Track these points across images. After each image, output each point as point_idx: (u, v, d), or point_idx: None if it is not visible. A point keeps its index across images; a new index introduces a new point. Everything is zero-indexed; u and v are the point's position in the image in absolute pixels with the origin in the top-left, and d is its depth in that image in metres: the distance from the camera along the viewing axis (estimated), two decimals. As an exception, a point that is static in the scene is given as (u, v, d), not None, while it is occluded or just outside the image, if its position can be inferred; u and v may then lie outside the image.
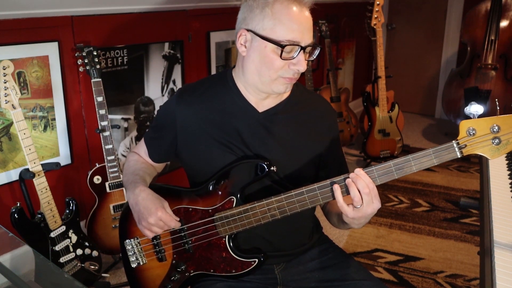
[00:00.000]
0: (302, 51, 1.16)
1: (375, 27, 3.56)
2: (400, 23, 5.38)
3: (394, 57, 5.51)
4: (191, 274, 1.31)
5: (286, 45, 1.14)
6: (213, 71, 3.15)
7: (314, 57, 1.22)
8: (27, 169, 1.89)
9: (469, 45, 4.30)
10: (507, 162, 1.72)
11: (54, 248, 1.99)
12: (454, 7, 5.08)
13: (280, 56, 1.15)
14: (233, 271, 1.26)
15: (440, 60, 5.31)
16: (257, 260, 1.24)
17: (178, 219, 1.26)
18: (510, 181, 1.56)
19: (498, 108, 1.40)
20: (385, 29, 5.23)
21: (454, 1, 5.06)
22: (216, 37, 3.11)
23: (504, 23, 4.13)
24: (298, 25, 1.15)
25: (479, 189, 1.60)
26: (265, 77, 1.20)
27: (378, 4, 3.48)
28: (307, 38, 1.17)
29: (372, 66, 5.31)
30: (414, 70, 5.47)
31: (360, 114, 4.31)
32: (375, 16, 3.52)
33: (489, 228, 1.28)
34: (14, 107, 1.83)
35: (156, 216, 1.21)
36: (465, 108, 1.08)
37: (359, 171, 1.10)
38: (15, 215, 1.85)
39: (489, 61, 4.14)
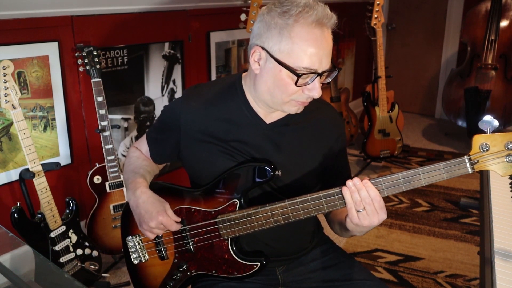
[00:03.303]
0: (318, 77, 1.12)
1: (375, 27, 3.56)
2: (400, 23, 5.38)
3: (394, 57, 5.51)
4: (193, 274, 1.31)
5: (302, 74, 1.09)
6: (213, 71, 3.15)
7: (330, 80, 1.17)
8: (27, 169, 1.89)
9: (469, 45, 4.30)
10: (507, 162, 1.72)
11: (54, 248, 1.99)
12: (454, 7, 5.08)
13: (296, 83, 1.11)
14: (235, 273, 1.25)
15: (440, 60, 5.31)
16: (259, 263, 1.23)
17: (179, 219, 1.26)
18: (510, 181, 1.56)
19: None
20: (385, 29, 5.23)
21: (454, 1, 5.06)
22: (216, 37, 3.10)
23: (504, 23, 4.13)
24: (317, 51, 1.08)
25: (479, 189, 1.60)
26: (277, 98, 1.16)
27: (378, 4, 3.48)
28: (325, 64, 1.11)
29: (372, 66, 5.31)
30: (414, 70, 5.47)
31: (360, 114, 4.31)
32: (375, 16, 3.52)
33: (489, 228, 1.28)
34: (14, 107, 1.83)
35: (157, 220, 1.21)
36: (480, 121, 1.03)
37: (366, 181, 1.07)
38: (15, 215, 1.85)
39: (489, 61, 4.14)
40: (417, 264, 2.52)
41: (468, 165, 1.03)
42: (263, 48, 1.13)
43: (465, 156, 1.03)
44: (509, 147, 1.01)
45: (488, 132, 1.03)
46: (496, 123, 1.03)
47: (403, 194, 3.38)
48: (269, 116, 1.26)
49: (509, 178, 1.59)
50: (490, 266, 1.11)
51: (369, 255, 2.60)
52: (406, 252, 2.62)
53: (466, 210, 3.10)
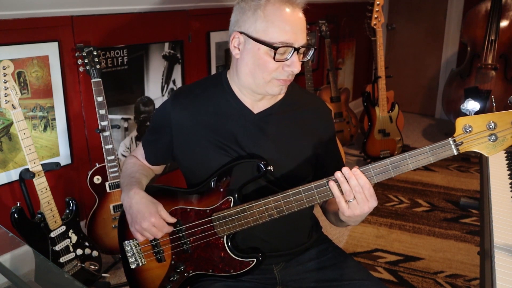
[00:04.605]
0: (295, 52, 1.16)
1: (375, 27, 3.56)
2: (400, 23, 5.38)
3: (394, 57, 5.51)
4: (190, 275, 1.31)
5: (279, 47, 1.14)
6: (213, 71, 3.15)
7: (309, 57, 1.22)
8: (27, 169, 1.89)
9: (469, 45, 4.30)
10: (507, 162, 1.72)
11: (54, 248, 1.99)
12: (454, 7, 5.08)
13: (274, 58, 1.15)
14: (232, 271, 1.26)
15: (440, 60, 5.31)
16: (255, 259, 1.24)
17: (175, 220, 1.27)
18: (510, 181, 1.56)
19: (494, 104, 1.41)
20: (385, 29, 5.23)
21: (454, 1, 5.06)
22: (216, 37, 3.11)
23: (504, 23, 4.13)
24: (291, 27, 1.15)
25: (479, 189, 1.60)
26: (259, 79, 1.20)
27: (378, 4, 3.48)
28: (300, 39, 1.16)
29: (372, 66, 5.31)
30: (414, 70, 5.47)
31: (360, 114, 4.31)
32: (375, 16, 3.52)
33: (489, 228, 1.28)
34: (14, 107, 1.83)
35: (150, 222, 1.22)
36: (462, 105, 1.07)
37: (355, 170, 1.09)
38: (15, 215, 1.85)
39: (489, 61, 4.14)
40: (417, 264, 2.52)
41: (453, 146, 1.05)
42: (241, 32, 1.19)
43: (450, 138, 1.06)
44: (491, 126, 1.03)
45: (470, 114, 1.05)
46: (477, 106, 1.06)
47: (403, 194, 3.38)
48: (256, 106, 1.29)
49: (509, 178, 1.59)
50: (490, 266, 1.11)
51: (369, 255, 2.60)
52: (406, 252, 2.62)
53: (466, 210, 3.10)
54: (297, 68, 1.17)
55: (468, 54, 4.34)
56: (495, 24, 4.10)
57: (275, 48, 1.14)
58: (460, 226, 2.92)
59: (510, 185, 1.53)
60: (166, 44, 2.79)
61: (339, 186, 1.10)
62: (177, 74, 2.90)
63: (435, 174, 3.74)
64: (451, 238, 2.78)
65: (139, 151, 1.45)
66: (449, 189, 3.49)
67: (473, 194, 3.38)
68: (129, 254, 1.34)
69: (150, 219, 1.22)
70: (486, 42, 4.13)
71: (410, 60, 5.47)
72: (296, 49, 1.16)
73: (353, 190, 1.08)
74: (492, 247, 1.18)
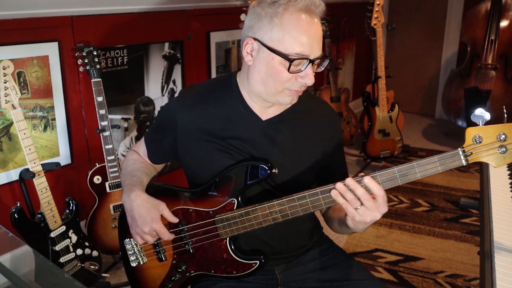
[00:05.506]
0: (310, 64, 1.13)
1: (375, 27, 3.56)
2: (400, 23, 5.37)
3: (394, 57, 5.51)
4: (192, 275, 1.31)
5: (294, 59, 1.11)
6: (213, 71, 3.15)
7: (323, 68, 1.19)
8: (27, 169, 1.89)
9: (469, 45, 4.30)
10: (507, 162, 1.72)
11: (54, 248, 1.99)
12: (454, 7, 5.08)
13: (288, 70, 1.12)
14: (234, 272, 1.25)
15: (440, 60, 5.31)
16: (258, 262, 1.23)
17: (177, 220, 1.26)
18: (510, 181, 1.56)
19: (505, 115, 1.40)
20: (385, 29, 5.23)
21: (454, 1, 5.06)
22: (216, 37, 3.11)
23: (504, 23, 4.13)
24: (307, 38, 1.11)
25: (479, 189, 1.60)
26: (270, 88, 1.17)
27: (378, 4, 3.48)
28: (316, 50, 1.13)
29: (372, 66, 5.31)
30: (414, 70, 5.47)
31: (360, 114, 4.31)
32: (375, 16, 3.52)
33: (489, 228, 1.28)
34: (14, 107, 1.83)
35: (151, 227, 1.22)
36: (472, 114, 1.06)
37: (368, 180, 1.05)
38: (15, 215, 1.85)
39: (489, 61, 4.14)
40: (417, 264, 2.52)
41: (462, 157, 1.04)
42: (255, 38, 1.15)
43: (459, 149, 1.05)
44: (501, 138, 1.02)
45: (481, 125, 1.04)
46: (487, 116, 1.05)
47: (403, 194, 3.38)
48: (264, 113, 1.27)
49: (509, 178, 1.59)
50: (490, 266, 1.11)
51: (369, 255, 2.60)
52: (406, 252, 2.62)
53: (466, 210, 3.10)
54: (310, 80, 1.14)
55: (468, 54, 4.34)
56: (495, 24, 4.10)
57: (290, 60, 1.11)
58: (460, 226, 2.92)
59: (510, 185, 1.53)
60: (166, 44, 2.79)
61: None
62: (177, 74, 2.90)
63: (435, 174, 3.73)
64: (451, 238, 2.78)
65: (141, 147, 1.43)
66: (449, 189, 3.49)
67: (473, 194, 3.38)
68: (130, 253, 1.34)
69: (151, 224, 1.22)
70: (486, 42, 4.13)
71: (410, 60, 5.47)
72: (311, 61, 1.13)
73: (361, 198, 1.06)
74: (492, 247, 1.17)
